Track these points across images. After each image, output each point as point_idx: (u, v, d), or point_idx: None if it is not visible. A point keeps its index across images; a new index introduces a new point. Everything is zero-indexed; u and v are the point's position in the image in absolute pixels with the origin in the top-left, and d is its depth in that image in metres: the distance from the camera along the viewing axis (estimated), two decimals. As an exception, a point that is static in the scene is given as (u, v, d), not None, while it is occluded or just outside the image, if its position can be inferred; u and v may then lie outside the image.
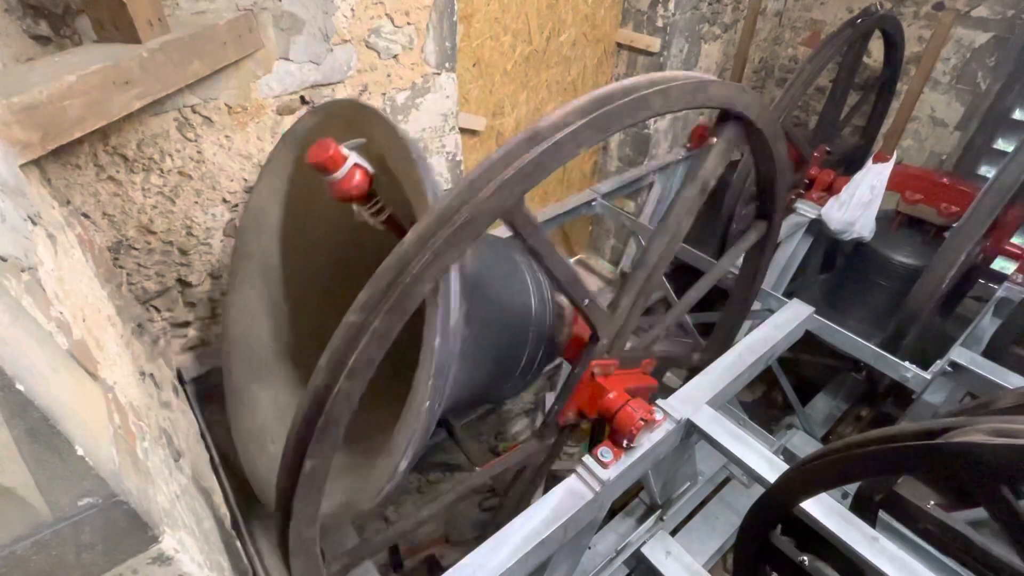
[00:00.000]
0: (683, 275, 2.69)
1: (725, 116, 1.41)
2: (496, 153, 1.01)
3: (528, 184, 1.01)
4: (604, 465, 1.44)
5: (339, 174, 1.16)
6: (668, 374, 3.12)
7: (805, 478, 1.31)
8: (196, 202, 1.74)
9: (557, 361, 2.64)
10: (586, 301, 1.37)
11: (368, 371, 0.98)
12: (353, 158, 1.18)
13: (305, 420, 0.98)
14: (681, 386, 1.74)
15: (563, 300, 1.71)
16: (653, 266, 1.46)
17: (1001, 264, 2.84)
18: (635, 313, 1.51)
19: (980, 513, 1.88)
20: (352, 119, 1.37)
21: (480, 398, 1.85)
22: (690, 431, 1.64)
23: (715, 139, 1.45)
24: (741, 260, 1.97)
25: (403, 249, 0.97)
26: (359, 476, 1.25)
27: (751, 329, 2.02)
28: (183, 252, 1.79)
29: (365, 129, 1.28)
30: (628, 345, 1.60)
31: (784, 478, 1.38)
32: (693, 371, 2.16)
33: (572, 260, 3.66)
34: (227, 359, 1.72)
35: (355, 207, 1.25)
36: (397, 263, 0.97)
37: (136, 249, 1.70)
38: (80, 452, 0.63)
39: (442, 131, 2.23)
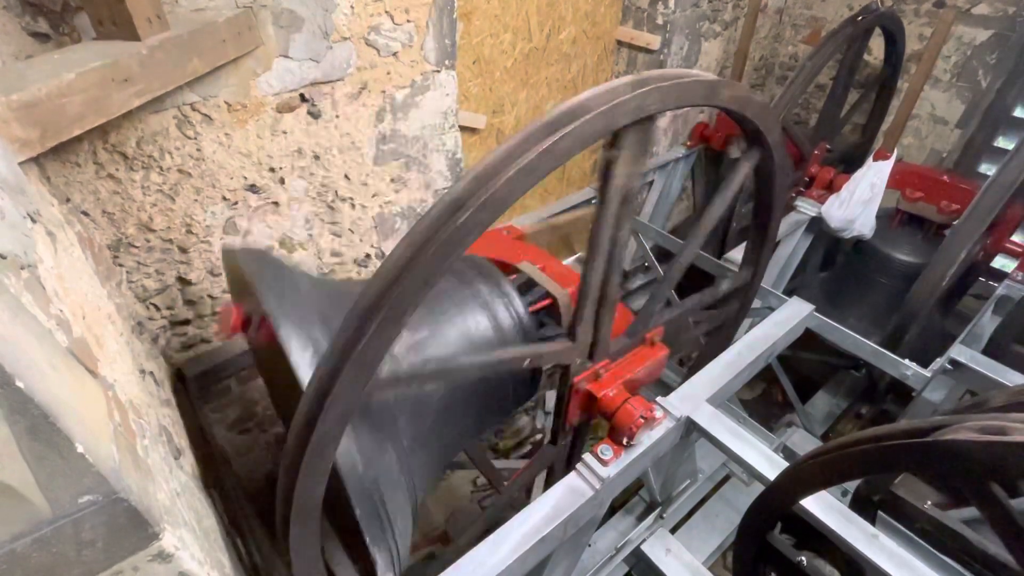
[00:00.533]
0: (689, 274, 2.69)
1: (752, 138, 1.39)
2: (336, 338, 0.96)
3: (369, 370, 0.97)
4: (604, 463, 1.44)
5: (252, 331, 1.20)
6: (667, 372, 3.13)
7: (804, 476, 1.31)
8: (196, 200, 1.73)
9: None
10: (526, 363, 1.34)
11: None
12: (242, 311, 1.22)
13: (297, 442, 1.02)
14: (681, 384, 1.74)
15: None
16: (598, 286, 1.38)
17: (1001, 262, 2.84)
18: (603, 325, 1.45)
19: (976, 512, 1.89)
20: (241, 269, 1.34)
21: (483, 431, 1.85)
22: (690, 429, 1.64)
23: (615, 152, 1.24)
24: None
25: (296, 429, 0.98)
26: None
27: (751, 327, 2.02)
28: (183, 250, 1.79)
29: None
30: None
31: (784, 476, 1.39)
32: (699, 360, 2.15)
33: (571, 258, 3.66)
34: None
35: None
36: (298, 438, 0.98)
37: (136, 247, 1.70)
38: (80, 449, 0.63)
39: (442, 129, 2.23)
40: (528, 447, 3.23)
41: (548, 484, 1.80)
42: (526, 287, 1.76)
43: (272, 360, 1.38)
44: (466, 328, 1.49)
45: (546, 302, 1.70)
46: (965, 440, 0.95)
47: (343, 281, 2.04)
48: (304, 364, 1.05)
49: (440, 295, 1.51)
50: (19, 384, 0.57)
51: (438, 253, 0.91)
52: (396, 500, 1.19)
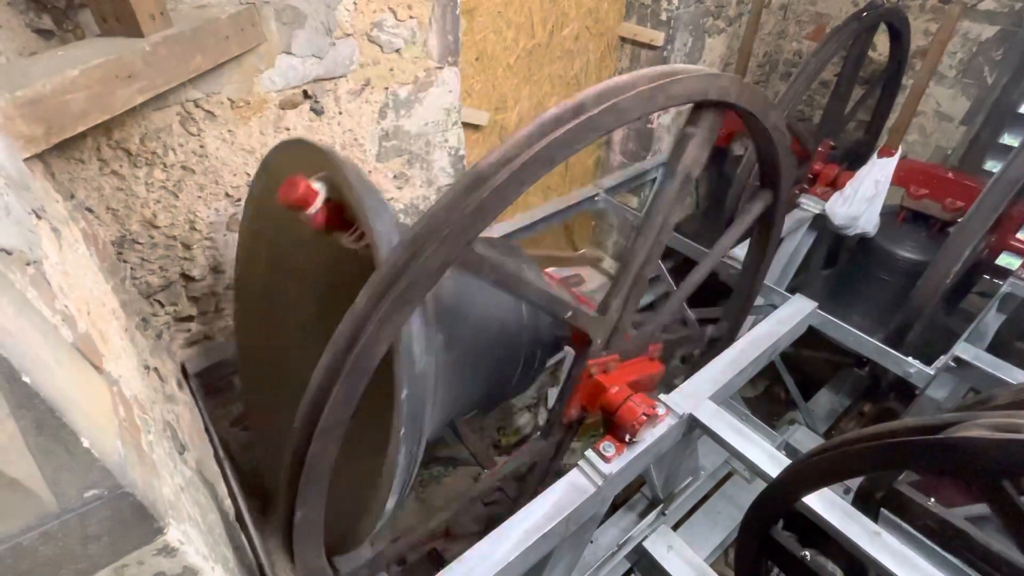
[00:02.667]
0: (688, 270, 2.69)
1: (698, 106, 1.37)
2: (439, 202, 0.99)
3: (474, 231, 0.99)
4: (606, 459, 1.44)
5: (312, 209, 1.16)
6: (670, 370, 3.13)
7: (807, 473, 1.31)
8: (199, 196, 1.74)
9: (561, 355, 2.65)
10: (568, 314, 1.37)
11: (338, 431, 1.01)
12: (323, 192, 1.18)
13: (289, 481, 1.03)
14: (684, 381, 1.74)
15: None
16: (640, 263, 1.44)
17: (1006, 260, 2.83)
18: (629, 309, 1.50)
19: (981, 509, 1.88)
20: (310, 156, 1.34)
21: (481, 405, 1.86)
22: (692, 426, 1.64)
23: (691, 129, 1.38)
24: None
25: (356, 311, 0.96)
26: (352, 512, 1.28)
27: (754, 324, 2.02)
28: (186, 246, 1.80)
29: (322, 164, 1.26)
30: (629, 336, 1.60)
31: (786, 473, 1.39)
32: (703, 355, 2.16)
33: (566, 271, 3.65)
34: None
35: (336, 236, 1.25)
36: (351, 326, 0.96)
37: (140, 243, 1.70)
38: (86, 444, 0.63)
39: (445, 126, 2.22)
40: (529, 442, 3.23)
41: (526, 482, 1.81)
42: None
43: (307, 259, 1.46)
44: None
45: None
46: (979, 438, 0.95)
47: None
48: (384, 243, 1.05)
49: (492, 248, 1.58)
50: (25, 379, 0.57)
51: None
52: (427, 412, 1.18)
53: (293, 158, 1.39)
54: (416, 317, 1.02)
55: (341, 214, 1.21)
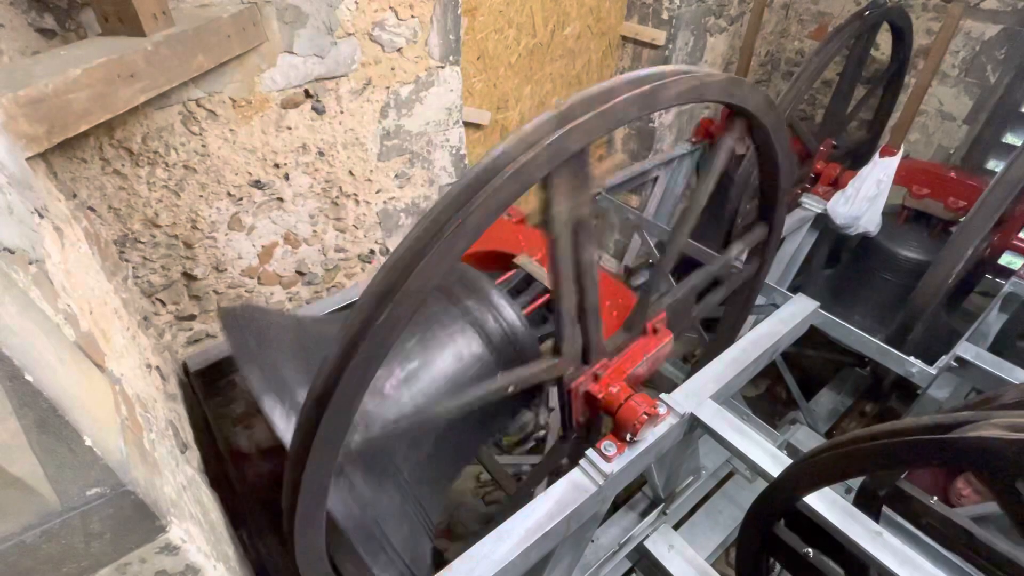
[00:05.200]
0: (689, 269, 2.69)
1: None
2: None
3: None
4: (607, 459, 1.44)
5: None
6: (672, 368, 3.12)
7: (810, 472, 1.30)
8: (201, 196, 1.74)
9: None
10: (510, 390, 1.28)
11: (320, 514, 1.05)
12: None
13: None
14: (685, 380, 1.73)
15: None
16: (575, 306, 1.31)
17: (1008, 259, 2.82)
18: (591, 331, 1.40)
19: (983, 509, 1.88)
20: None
21: (487, 443, 1.85)
22: (694, 425, 1.64)
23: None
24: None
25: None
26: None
27: (755, 324, 2.02)
28: (188, 245, 1.80)
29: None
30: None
31: (788, 472, 1.38)
32: (703, 356, 2.14)
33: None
34: None
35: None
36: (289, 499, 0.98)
37: (141, 242, 1.70)
38: (88, 442, 0.63)
39: (446, 125, 2.22)
40: (532, 443, 3.23)
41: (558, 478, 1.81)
42: (525, 283, 1.76)
43: None
44: (457, 351, 1.44)
45: (546, 297, 1.70)
46: (995, 438, 0.94)
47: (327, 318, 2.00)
48: (287, 431, 1.07)
49: (429, 318, 1.45)
50: (28, 378, 0.58)
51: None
52: (402, 532, 1.19)
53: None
54: (335, 486, 1.04)
55: None
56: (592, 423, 1.69)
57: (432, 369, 1.40)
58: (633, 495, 2.17)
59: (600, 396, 1.49)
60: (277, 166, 1.85)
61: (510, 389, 1.28)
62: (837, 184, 3.02)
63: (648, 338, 1.64)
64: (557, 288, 1.25)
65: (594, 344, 1.45)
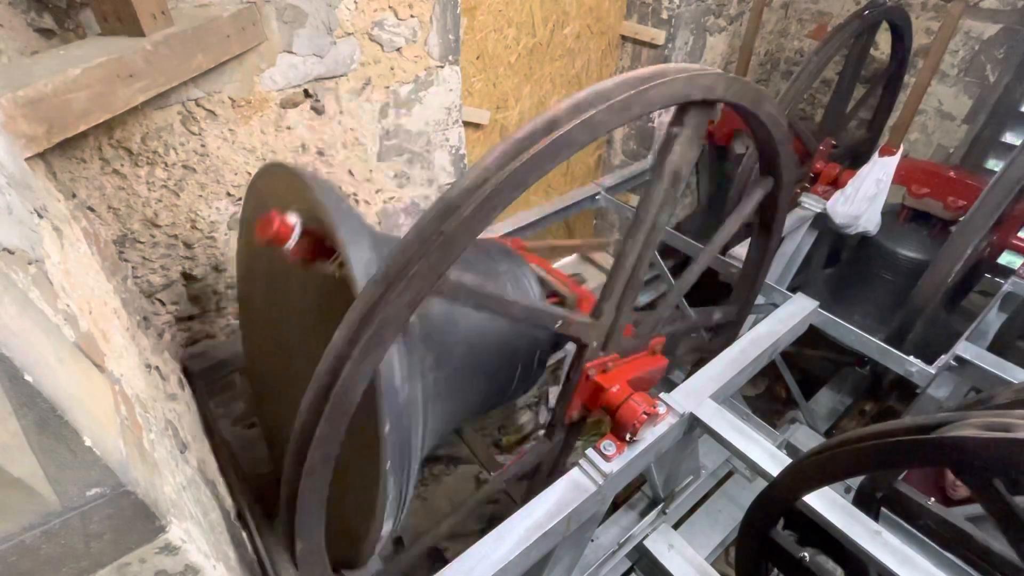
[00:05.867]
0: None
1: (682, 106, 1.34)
2: (412, 231, 0.97)
3: (444, 264, 0.97)
4: (607, 458, 1.44)
5: (290, 244, 1.14)
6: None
7: (807, 472, 1.31)
8: (200, 196, 1.74)
9: (561, 354, 2.65)
10: (558, 324, 1.36)
11: (325, 469, 1.02)
12: (299, 226, 1.14)
13: (287, 517, 1.06)
14: (685, 380, 1.74)
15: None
16: (632, 264, 1.41)
17: (1008, 258, 2.82)
18: (624, 311, 1.48)
19: (980, 509, 1.88)
20: (290, 180, 1.32)
21: (481, 412, 1.87)
22: (693, 425, 1.64)
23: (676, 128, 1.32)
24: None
25: (333, 350, 0.96)
26: (355, 535, 1.29)
27: (755, 323, 2.02)
28: (187, 246, 1.80)
29: (300, 191, 1.23)
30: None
31: (787, 472, 1.39)
32: (707, 352, 2.15)
33: (575, 255, 3.64)
34: None
35: (319, 265, 1.23)
36: (330, 366, 0.96)
37: (141, 243, 1.70)
38: (88, 442, 0.63)
39: (446, 125, 2.22)
40: (531, 443, 3.23)
41: (533, 481, 1.82)
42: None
43: (284, 288, 1.44)
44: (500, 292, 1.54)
45: (552, 300, 1.71)
46: (969, 437, 0.95)
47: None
48: (361, 271, 1.04)
49: (476, 262, 1.56)
50: (27, 378, 0.58)
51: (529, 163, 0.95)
52: (416, 435, 1.18)
53: (276, 182, 1.38)
54: (397, 347, 1.02)
55: (322, 242, 1.19)
56: (575, 428, 1.70)
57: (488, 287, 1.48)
58: (633, 494, 2.18)
59: (607, 387, 1.51)
60: (276, 166, 1.85)
61: (558, 324, 1.37)
62: (837, 183, 3.02)
63: (649, 355, 1.67)
64: (631, 235, 1.38)
65: (617, 331, 1.51)
